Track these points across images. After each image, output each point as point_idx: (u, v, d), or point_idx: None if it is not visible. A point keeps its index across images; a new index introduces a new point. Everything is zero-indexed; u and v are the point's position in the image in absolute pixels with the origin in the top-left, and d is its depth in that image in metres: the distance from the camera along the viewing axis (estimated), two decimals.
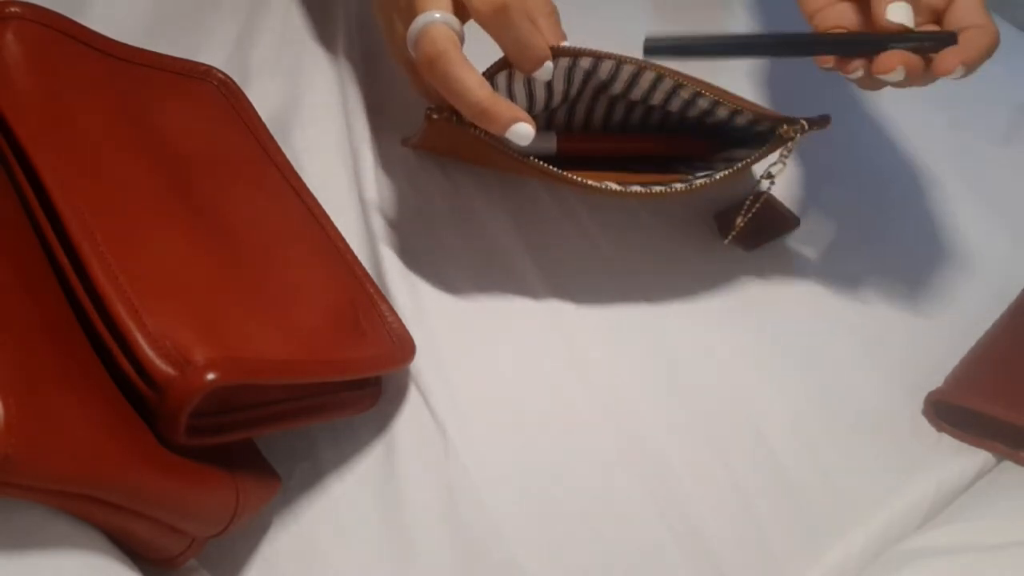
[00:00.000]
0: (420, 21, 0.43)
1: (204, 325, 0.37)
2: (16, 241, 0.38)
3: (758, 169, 0.55)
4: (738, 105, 0.50)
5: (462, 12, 0.44)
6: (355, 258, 0.50)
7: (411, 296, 0.51)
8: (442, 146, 0.55)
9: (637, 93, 0.52)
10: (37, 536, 0.32)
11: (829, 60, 0.47)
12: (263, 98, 0.56)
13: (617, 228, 0.57)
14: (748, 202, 0.53)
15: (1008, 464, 0.51)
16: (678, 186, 0.49)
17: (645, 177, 0.51)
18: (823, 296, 0.57)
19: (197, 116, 0.51)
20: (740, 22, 0.71)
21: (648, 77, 0.49)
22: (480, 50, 0.44)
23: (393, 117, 0.58)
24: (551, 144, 0.53)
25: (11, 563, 0.31)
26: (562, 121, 0.56)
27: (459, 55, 0.43)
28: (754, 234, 0.57)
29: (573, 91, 0.52)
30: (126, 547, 0.36)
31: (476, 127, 0.45)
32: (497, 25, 0.43)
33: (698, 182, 0.49)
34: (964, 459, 0.51)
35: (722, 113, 0.51)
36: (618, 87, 0.51)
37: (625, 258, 0.56)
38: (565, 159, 0.51)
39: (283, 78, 0.58)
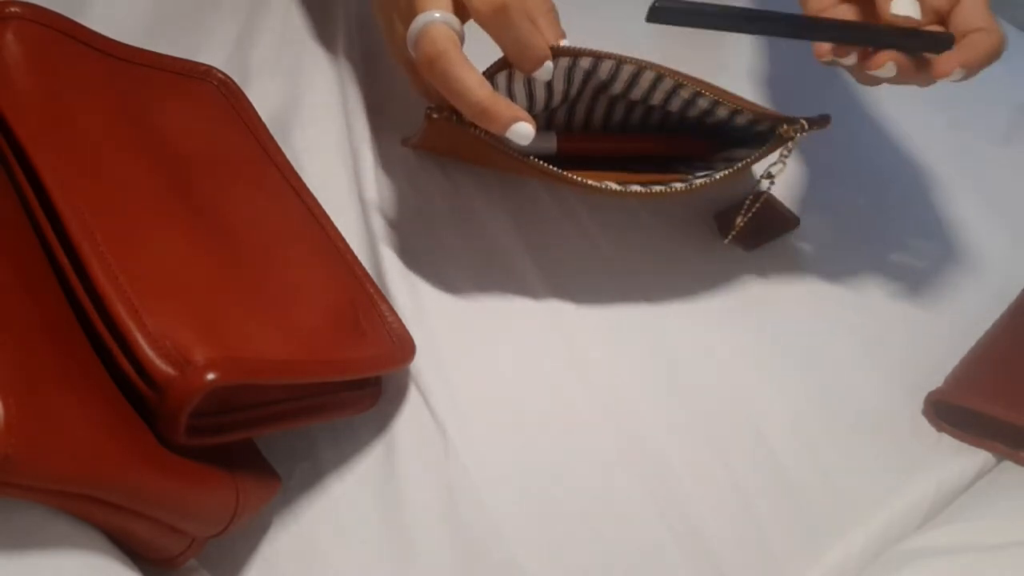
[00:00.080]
0: (420, 21, 0.43)
1: (204, 325, 0.37)
2: (16, 241, 0.38)
3: (758, 169, 0.55)
4: (738, 105, 0.50)
5: (462, 12, 0.44)
6: (355, 258, 0.50)
7: (411, 296, 0.51)
8: (442, 146, 0.55)
9: (637, 93, 0.52)
10: (37, 536, 0.32)
11: (827, 52, 0.47)
12: (263, 98, 0.56)
13: (617, 228, 0.57)
14: (748, 202, 0.53)
15: (1008, 464, 0.51)
16: (678, 186, 0.49)
17: (645, 177, 0.51)
18: (823, 296, 0.57)
19: (197, 116, 0.51)
20: None
21: (648, 77, 0.49)
22: (480, 50, 0.44)
23: (393, 117, 0.58)
24: (551, 144, 0.53)
25: (11, 563, 0.31)
26: (562, 121, 0.56)
27: (459, 55, 0.43)
28: (754, 234, 0.57)
29: (573, 91, 0.52)
30: (126, 547, 0.36)
31: (476, 127, 0.45)
32: (497, 25, 0.43)
33: (698, 182, 0.49)
34: (964, 459, 0.51)
35: (722, 113, 0.51)
36: (618, 87, 0.51)
37: (625, 258, 0.56)
38: (565, 159, 0.51)
39: (283, 78, 0.58)
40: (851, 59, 0.47)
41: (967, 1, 0.46)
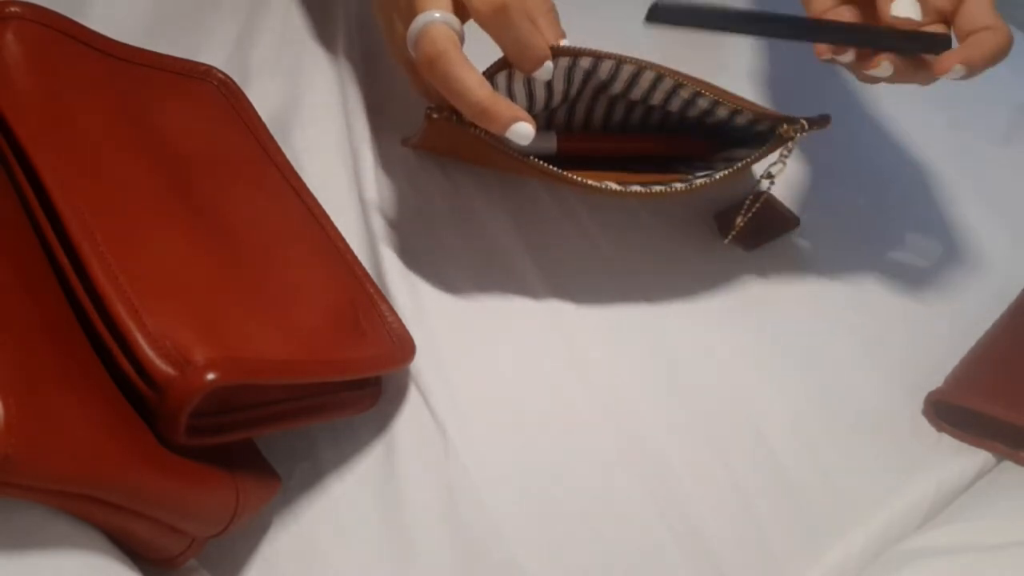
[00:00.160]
0: (420, 21, 0.43)
1: (204, 325, 0.37)
2: (16, 241, 0.38)
3: (758, 169, 0.55)
4: (738, 105, 0.50)
5: (462, 12, 0.44)
6: (355, 258, 0.50)
7: (411, 296, 0.51)
8: (442, 146, 0.55)
9: (637, 93, 0.52)
10: (37, 536, 0.32)
11: (826, 51, 0.47)
12: (263, 98, 0.56)
13: (617, 228, 0.57)
14: (748, 202, 0.53)
15: (1008, 464, 0.51)
16: (678, 186, 0.49)
17: (645, 177, 0.51)
18: (823, 296, 0.57)
19: (197, 116, 0.51)
20: None
21: (648, 77, 0.49)
22: (480, 50, 0.44)
23: (393, 117, 0.58)
24: (551, 144, 0.53)
25: (11, 563, 0.31)
26: (562, 121, 0.56)
27: (459, 55, 0.43)
28: (754, 234, 0.57)
29: (573, 91, 0.52)
30: (126, 547, 0.36)
31: (476, 127, 0.45)
32: (497, 25, 0.43)
33: (698, 182, 0.49)
34: (964, 459, 0.51)
35: (722, 113, 0.51)
36: (618, 87, 0.51)
37: (625, 258, 0.56)
38: (565, 159, 0.51)
39: (283, 78, 0.58)
40: (848, 57, 0.47)
41: (972, 0, 0.46)
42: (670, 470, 0.48)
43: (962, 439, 0.52)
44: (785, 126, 0.49)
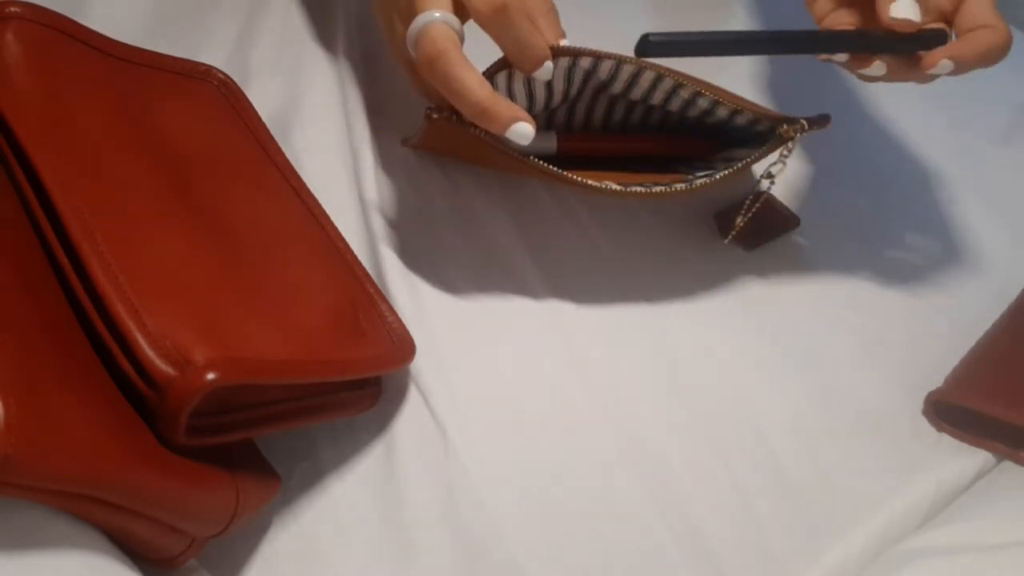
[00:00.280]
0: (420, 21, 0.43)
1: (204, 325, 0.37)
2: (16, 241, 0.38)
3: (758, 169, 0.55)
4: (738, 105, 0.50)
5: (462, 12, 0.44)
6: (355, 258, 0.50)
7: (411, 296, 0.51)
8: (442, 146, 0.55)
9: (637, 93, 0.52)
10: (37, 536, 0.32)
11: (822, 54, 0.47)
12: (263, 98, 0.56)
13: (617, 228, 0.57)
14: (748, 202, 0.53)
15: (1008, 464, 0.51)
16: (678, 186, 0.49)
17: (645, 177, 0.51)
18: (823, 296, 0.57)
19: (197, 116, 0.51)
20: (740, 22, 0.71)
21: (648, 77, 0.49)
22: (480, 50, 0.44)
23: (393, 117, 0.58)
24: (551, 144, 0.53)
25: (11, 563, 0.31)
26: (562, 121, 0.56)
27: (459, 55, 0.43)
28: (754, 234, 0.57)
29: (573, 91, 0.52)
30: (126, 547, 0.36)
31: (476, 127, 0.45)
32: (497, 25, 0.43)
33: (698, 182, 0.49)
34: (964, 459, 0.51)
35: (722, 113, 0.51)
36: (618, 87, 0.51)
37: (625, 258, 0.56)
38: (565, 159, 0.51)
39: (283, 78, 0.58)
40: (843, 57, 0.47)
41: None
42: (670, 470, 0.48)
43: (962, 439, 0.52)
44: (785, 126, 0.49)
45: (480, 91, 0.42)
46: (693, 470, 0.49)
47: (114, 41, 0.49)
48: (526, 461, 0.48)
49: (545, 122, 0.55)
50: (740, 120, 0.52)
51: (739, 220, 0.53)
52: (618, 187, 0.48)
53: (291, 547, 0.44)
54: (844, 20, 0.49)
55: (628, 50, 0.47)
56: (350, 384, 0.45)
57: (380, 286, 0.50)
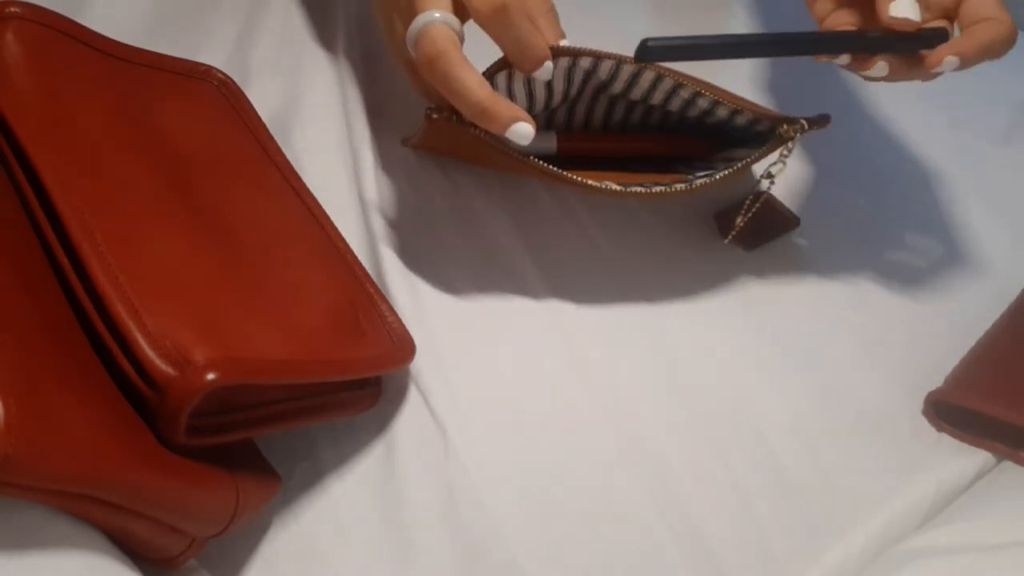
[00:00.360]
0: (420, 21, 0.43)
1: (204, 325, 0.37)
2: (16, 241, 0.38)
3: (758, 169, 0.55)
4: (738, 105, 0.50)
5: (462, 12, 0.44)
6: (355, 258, 0.50)
7: (411, 296, 0.51)
8: (442, 146, 0.55)
9: (637, 93, 0.52)
10: (37, 536, 0.32)
11: (824, 55, 0.47)
12: (263, 98, 0.56)
13: (617, 228, 0.57)
14: (748, 202, 0.53)
15: (1008, 464, 0.51)
16: (678, 186, 0.49)
17: (645, 177, 0.51)
18: (823, 296, 0.57)
19: (197, 116, 0.51)
20: (740, 22, 0.71)
21: (648, 77, 0.49)
22: (480, 50, 0.44)
23: (393, 117, 0.58)
24: (551, 144, 0.53)
25: (11, 563, 0.31)
26: (562, 121, 0.56)
27: (459, 55, 0.43)
28: (754, 234, 0.57)
29: (573, 91, 0.52)
30: (126, 547, 0.36)
31: (476, 127, 0.45)
32: (497, 25, 0.43)
33: (698, 182, 0.49)
34: (964, 459, 0.51)
35: (722, 113, 0.51)
36: (618, 87, 0.51)
37: (625, 258, 0.56)
38: (565, 159, 0.51)
39: (283, 78, 0.58)
40: (844, 60, 0.47)
41: None
42: (670, 470, 0.48)
43: (962, 439, 0.52)
44: (785, 126, 0.49)
45: (480, 91, 0.42)
46: (693, 470, 0.49)
47: (114, 41, 0.49)
48: (526, 461, 0.48)
49: (545, 122, 0.55)
50: (740, 120, 0.52)
51: (739, 220, 0.53)
52: (618, 187, 0.48)
53: (291, 547, 0.44)
54: (844, 20, 0.49)
55: (628, 50, 0.47)
56: (350, 384, 0.45)
57: (380, 286, 0.50)
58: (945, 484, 0.50)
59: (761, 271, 0.57)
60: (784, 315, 0.55)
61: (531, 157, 0.47)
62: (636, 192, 0.49)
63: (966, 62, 0.45)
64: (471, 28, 0.44)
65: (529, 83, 0.49)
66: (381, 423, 0.47)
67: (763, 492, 0.49)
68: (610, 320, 0.53)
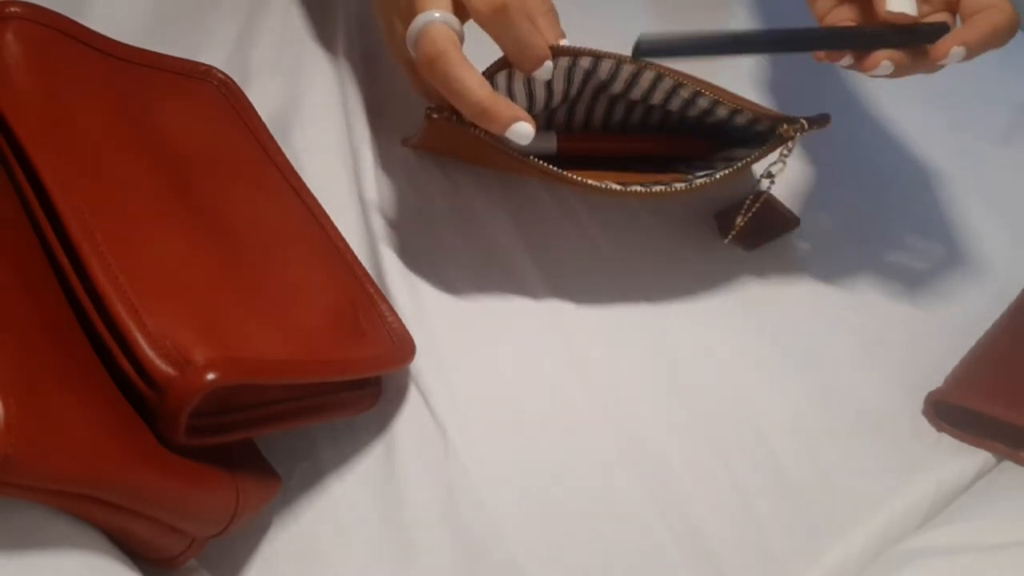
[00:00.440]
0: (420, 21, 0.43)
1: (204, 325, 0.37)
2: (16, 241, 0.38)
3: (758, 169, 0.55)
4: (738, 104, 0.50)
5: (462, 12, 0.44)
6: (355, 258, 0.50)
7: (411, 296, 0.51)
8: (442, 146, 0.55)
9: (637, 92, 0.52)
10: (37, 536, 0.32)
11: (823, 56, 0.47)
12: (263, 98, 0.56)
13: (617, 228, 0.57)
14: (748, 202, 0.53)
15: (1008, 464, 0.51)
16: (678, 186, 0.49)
17: (645, 177, 0.51)
18: (823, 296, 0.57)
19: (197, 116, 0.51)
20: (740, 21, 0.71)
21: (648, 76, 0.49)
22: (480, 50, 0.44)
23: (393, 117, 0.58)
24: (551, 144, 0.53)
25: (11, 563, 0.31)
26: (562, 121, 0.56)
27: (459, 55, 0.43)
28: (754, 234, 0.57)
29: (573, 91, 0.52)
30: (126, 547, 0.36)
31: (476, 127, 0.45)
32: (497, 25, 0.43)
33: (698, 182, 0.49)
34: (964, 459, 0.51)
35: (722, 112, 0.51)
36: (618, 87, 0.51)
37: (625, 258, 0.56)
38: (565, 159, 0.51)
39: (283, 78, 0.58)
40: (846, 61, 0.47)
41: None
42: (670, 470, 0.48)
43: (962, 439, 0.52)
44: (785, 126, 0.49)
45: (480, 91, 0.42)
46: (693, 470, 0.49)
47: (114, 41, 0.49)
48: (526, 461, 0.48)
49: (545, 122, 0.55)
50: (740, 120, 0.52)
51: (739, 220, 0.53)
52: (618, 187, 0.48)
53: (291, 547, 0.44)
54: (844, 16, 0.49)
55: (628, 50, 0.47)
56: (350, 384, 0.45)
57: (380, 286, 0.50)
58: (945, 484, 0.50)
59: (761, 271, 0.57)
60: (784, 315, 0.55)
61: (531, 157, 0.47)
62: (636, 192, 0.49)
63: (971, 52, 0.45)
64: (471, 28, 0.44)
65: (529, 83, 0.49)
66: (381, 423, 0.47)
67: (763, 492, 0.49)
68: (610, 320, 0.53)
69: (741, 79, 0.66)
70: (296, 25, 0.61)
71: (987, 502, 0.48)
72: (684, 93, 0.50)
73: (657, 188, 0.49)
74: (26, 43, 0.44)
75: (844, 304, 0.57)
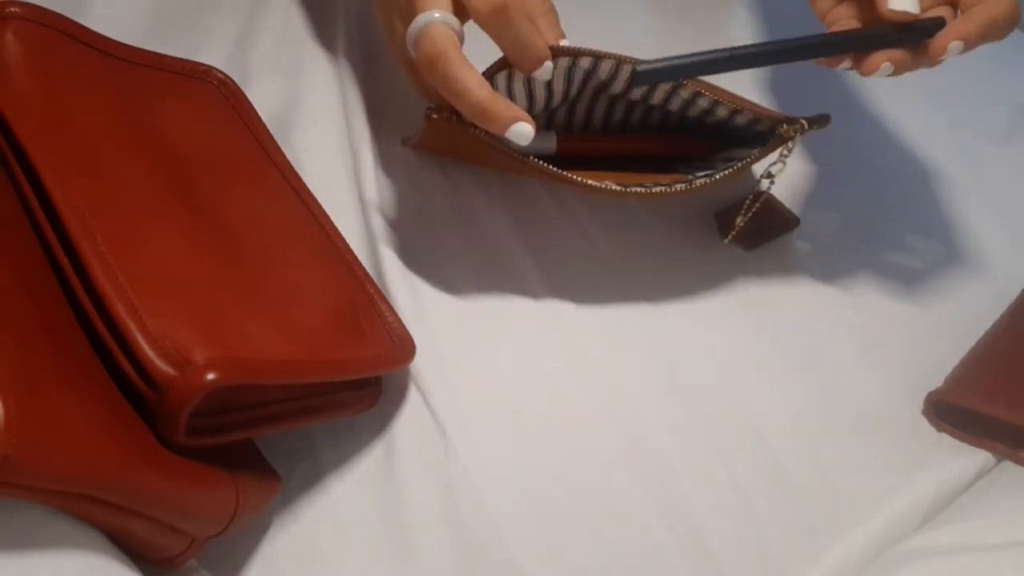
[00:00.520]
0: (420, 21, 0.43)
1: (204, 325, 0.37)
2: (16, 241, 0.38)
3: (758, 169, 0.55)
4: (738, 104, 0.50)
5: (462, 12, 0.44)
6: (355, 258, 0.50)
7: (411, 296, 0.51)
8: (442, 146, 0.55)
9: (637, 93, 0.52)
10: (37, 536, 0.32)
11: (823, 60, 0.47)
12: (263, 98, 0.56)
13: (617, 228, 0.57)
14: (748, 202, 0.53)
15: (1008, 464, 0.51)
16: (678, 186, 0.49)
17: (645, 177, 0.51)
18: (823, 296, 0.57)
19: (197, 116, 0.51)
20: (740, 21, 0.71)
21: None
22: (480, 50, 0.44)
23: (393, 117, 0.58)
24: (551, 144, 0.53)
25: (11, 563, 0.31)
26: (562, 121, 0.56)
27: (459, 55, 0.43)
28: (754, 234, 0.57)
29: (573, 91, 0.52)
30: (126, 547, 0.36)
31: (476, 127, 0.45)
32: (497, 25, 0.43)
33: (698, 182, 0.49)
34: (964, 459, 0.51)
35: (722, 113, 0.51)
36: (618, 87, 0.51)
37: (625, 258, 0.56)
38: (565, 159, 0.51)
39: (283, 78, 0.58)
40: (846, 64, 0.47)
41: None
42: (670, 470, 0.48)
43: (962, 439, 0.52)
44: (785, 126, 0.49)
45: (480, 91, 0.42)
46: (693, 470, 0.49)
47: (114, 41, 0.49)
48: (526, 461, 0.48)
49: (545, 122, 0.55)
50: (740, 120, 0.52)
51: (739, 220, 0.53)
52: (618, 187, 0.48)
53: (291, 547, 0.44)
54: (846, 15, 0.49)
55: (628, 50, 0.47)
56: (350, 384, 0.45)
57: (380, 286, 0.50)
58: (945, 484, 0.50)
59: (761, 271, 0.57)
60: (784, 315, 0.55)
61: (531, 157, 0.47)
62: (636, 192, 0.49)
63: (970, 44, 0.45)
64: (471, 28, 0.44)
65: (529, 83, 0.49)
66: (381, 423, 0.47)
67: (763, 492, 0.49)
68: (610, 320, 0.53)
69: (741, 79, 0.66)
70: (296, 25, 0.61)
71: (987, 502, 0.48)
72: (684, 93, 0.50)
73: (657, 188, 0.49)
74: (26, 43, 0.44)
75: (844, 304, 0.56)
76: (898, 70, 0.47)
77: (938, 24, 0.46)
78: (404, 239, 0.53)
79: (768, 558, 0.47)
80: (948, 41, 0.44)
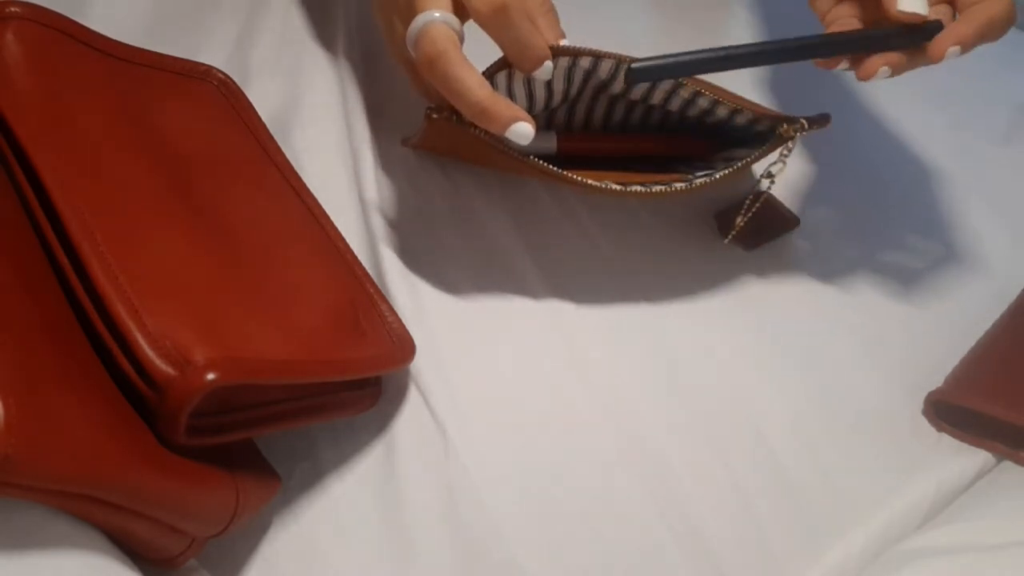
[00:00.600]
0: (420, 21, 0.43)
1: (204, 325, 0.37)
2: (16, 241, 0.38)
3: (758, 169, 0.55)
4: (738, 104, 0.50)
5: (462, 12, 0.44)
6: (355, 258, 0.50)
7: (411, 296, 0.51)
8: (442, 146, 0.55)
9: (637, 92, 0.52)
10: (37, 536, 0.32)
11: (821, 62, 0.47)
12: (263, 98, 0.56)
13: (617, 228, 0.57)
14: (748, 202, 0.53)
15: (1008, 464, 0.51)
16: (678, 186, 0.49)
17: (645, 177, 0.51)
18: (823, 296, 0.57)
19: (197, 116, 0.51)
20: (740, 21, 0.71)
21: None
22: (480, 50, 0.44)
23: (393, 117, 0.58)
24: (551, 144, 0.53)
25: (11, 563, 0.31)
26: (562, 121, 0.56)
27: (459, 55, 0.43)
28: (754, 234, 0.57)
29: (573, 91, 0.52)
30: (126, 547, 0.36)
31: (476, 127, 0.45)
32: (497, 25, 0.43)
33: (698, 182, 0.49)
34: (964, 459, 0.51)
35: (722, 112, 0.51)
36: (618, 86, 0.51)
37: (625, 258, 0.56)
38: (565, 159, 0.51)
39: (283, 78, 0.58)
40: (843, 66, 0.47)
41: None
42: (670, 470, 0.48)
43: (962, 439, 0.52)
44: (785, 126, 0.49)
45: (480, 91, 0.42)
46: (693, 470, 0.49)
47: (114, 41, 0.49)
48: (526, 461, 0.48)
49: (545, 122, 0.55)
50: (740, 120, 0.52)
51: (739, 220, 0.53)
52: (618, 187, 0.48)
53: (291, 547, 0.44)
54: (846, 14, 0.49)
55: (628, 50, 0.47)
56: (350, 384, 0.45)
57: (380, 286, 0.50)
58: (945, 484, 0.50)
59: (761, 271, 0.57)
60: (784, 315, 0.55)
61: (531, 157, 0.47)
62: (636, 192, 0.49)
63: (967, 47, 0.45)
64: (471, 28, 0.44)
65: (529, 83, 0.49)
66: (381, 423, 0.47)
67: (763, 492, 0.49)
68: (610, 320, 0.53)
69: (741, 79, 0.66)
70: (296, 25, 0.61)
71: (987, 502, 0.48)
72: (684, 93, 0.50)
73: (657, 188, 0.49)
74: (26, 43, 0.44)
75: (843, 304, 0.57)
76: (895, 72, 0.47)
77: (935, 27, 0.46)
78: (404, 239, 0.53)
79: (768, 558, 0.47)
80: (947, 45, 0.44)
